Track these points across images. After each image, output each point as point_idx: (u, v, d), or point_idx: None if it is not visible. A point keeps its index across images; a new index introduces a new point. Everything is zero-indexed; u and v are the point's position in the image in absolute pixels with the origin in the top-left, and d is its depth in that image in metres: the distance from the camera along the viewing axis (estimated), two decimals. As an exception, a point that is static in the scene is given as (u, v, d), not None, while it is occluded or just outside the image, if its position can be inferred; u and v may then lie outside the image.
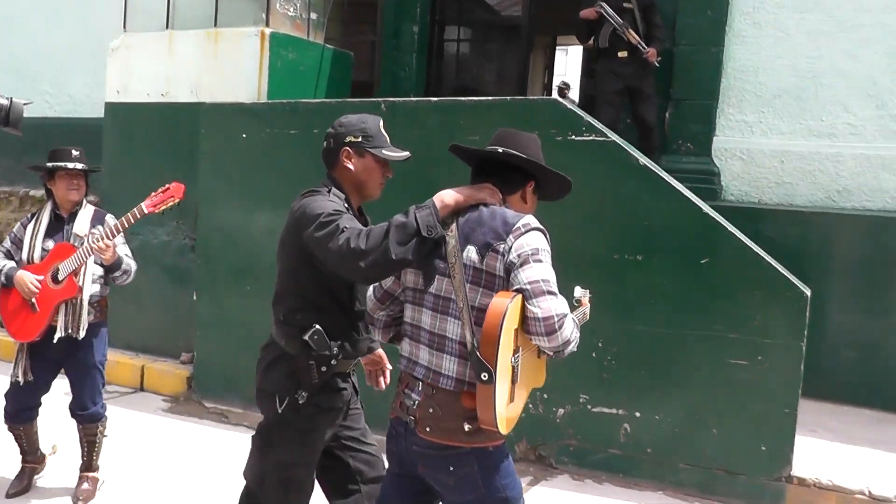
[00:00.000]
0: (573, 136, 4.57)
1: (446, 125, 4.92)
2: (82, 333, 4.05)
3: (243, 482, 4.53)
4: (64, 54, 8.79)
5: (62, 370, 4.21)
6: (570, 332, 2.28)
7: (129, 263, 4.14)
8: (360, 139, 2.75)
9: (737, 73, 6.53)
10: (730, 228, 4.49)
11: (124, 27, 6.85)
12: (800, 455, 4.60)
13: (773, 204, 6.41)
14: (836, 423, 5.40)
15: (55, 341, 3.99)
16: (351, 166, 2.76)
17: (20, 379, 4.05)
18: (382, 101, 5.17)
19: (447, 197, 2.42)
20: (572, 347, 2.31)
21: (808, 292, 4.42)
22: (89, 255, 3.89)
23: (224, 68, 6.16)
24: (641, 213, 4.58)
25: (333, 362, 2.76)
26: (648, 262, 4.59)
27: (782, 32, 6.40)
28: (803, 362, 4.42)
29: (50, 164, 4.04)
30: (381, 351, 3.06)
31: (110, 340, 6.51)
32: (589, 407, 4.76)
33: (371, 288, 2.70)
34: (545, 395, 4.82)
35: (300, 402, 2.73)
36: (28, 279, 3.94)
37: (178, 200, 3.90)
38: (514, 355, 2.28)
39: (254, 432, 2.98)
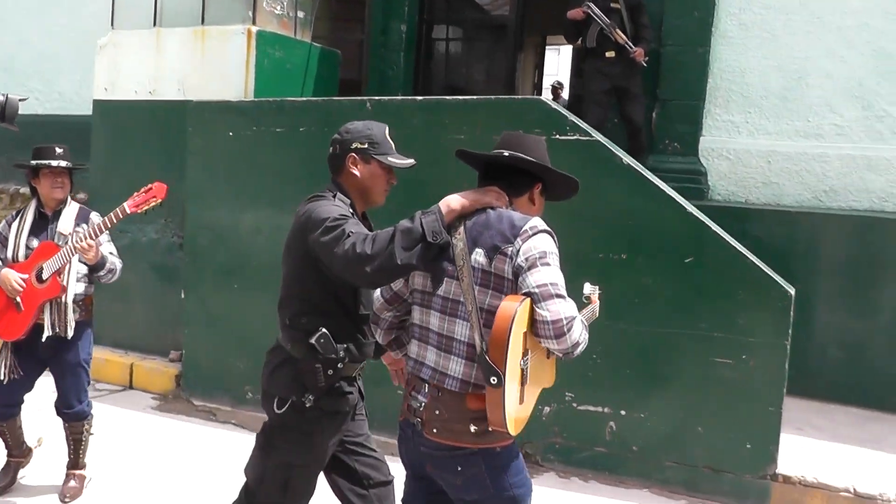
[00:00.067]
0: (557, 136, 4.58)
1: (431, 124, 4.93)
2: (70, 333, 4.05)
3: (230, 480, 4.54)
4: (54, 51, 8.77)
5: (47, 368, 4.21)
6: (578, 334, 2.29)
7: (115, 262, 4.13)
8: (366, 145, 2.77)
9: (723, 73, 6.56)
10: (714, 228, 4.51)
11: (112, 24, 6.84)
12: (786, 453, 4.63)
13: (760, 204, 6.44)
14: (823, 422, 5.43)
15: (43, 340, 3.99)
16: (356, 172, 2.78)
17: (3, 377, 4.04)
18: (368, 100, 5.17)
19: (453, 202, 2.43)
20: (581, 348, 2.32)
21: (792, 291, 4.45)
22: (73, 254, 3.88)
23: (211, 66, 6.15)
24: (626, 213, 4.59)
25: (339, 366, 2.77)
26: (633, 261, 4.61)
27: (769, 33, 6.43)
28: (788, 361, 4.44)
29: (34, 162, 4.04)
30: None
31: (99, 338, 6.56)
32: (575, 405, 4.78)
33: (380, 289, 2.71)
34: (531, 394, 4.83)
35: (306, 405, 2.74)
36: (13, 277, 3.93)
37: (160, 200, 3.89)
38: (523, 358, 2.28)
39: (257, 431, 2.98)
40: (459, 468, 2.43)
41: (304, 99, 6.02)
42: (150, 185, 3.88)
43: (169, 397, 6.08)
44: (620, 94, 6.53)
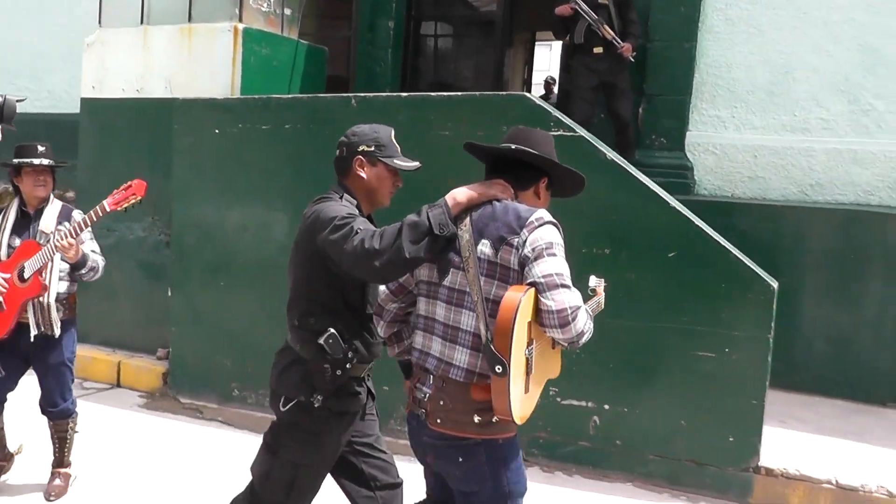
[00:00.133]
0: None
1: (417, 120, 4.94)
2: (57, 331, 4.04)
3: (216, 477, 4.58)
4: (43, 50, 8.79)
5: (30, 367, 4.20)
6: (583, 323, 2.31)
7: (97, 260, 4.12)
8: (372, 148, 2.80)
9: (709, 68, 6.58)
10: (697, 222, 4.53)
11: (99, 22, 6.83)
12: (769, 446, 4.66)
13: (746, 198, 6.47)
14: (808, 414, 5.46)
15: (31, 339, 3.99)
16: (363, 174, 2.80)
17: None
18: (353, 97, 5.18)
19: (459, 195, 2.47)
20: (586, 338, 2.34)
21: (774, 285, 4.47)
22: (55, 253, 3.88)
23: (197, 64, 6.15)
24: (610, 208, 4.61)
25: (348, 366, 2.78)
26: (616, 255, 4.62)
27: (755, 28, 6.45)
28: (771, 354, 4.47)
29: (16, 161, 4.03)
30: None
31: (87, 337, 6.62)
32: (559, 399, 4.79)
33: None
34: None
35: (315, 405, 2.75)
36: None
37: (140, 198, 3.88)
38: (527, 347, 2.31)
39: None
40: (461, 459, 2.46)
41: (290, 96, 6.03)
42: (129, 183, 3.88)
43: (156, 395, 6.08)
44: (608, 90, 6.54)
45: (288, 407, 2.78)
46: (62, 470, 4.34)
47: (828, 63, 6.30)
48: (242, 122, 5.55)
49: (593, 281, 2.89)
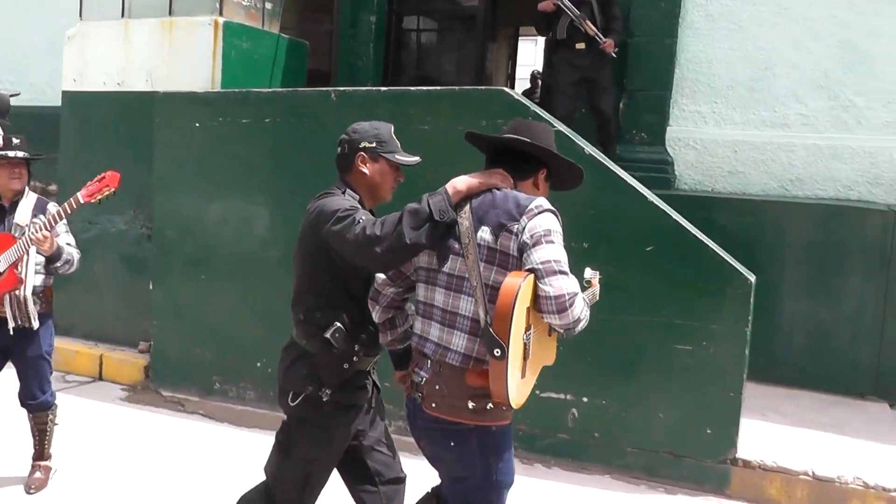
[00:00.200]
0: (520, 126, 4.61)
1: (396, 114, 4.88)
2: (35, 324, 4.04)
3: (195, 470, 4.59)
4: (24, 42, 8.74)
5: (9, 361, 4.20)
6: (580, 310, 2.35)
7: (72, 253, 4.11)
8: (374, 144, 2.84)
9: (690, 64, 6.61)
10: (674, 216, 4.56)
11: (80, 15, 6.80)
12: (748, 438, 4.71)
13: (727, 193, 6.50)
14: (788, 407, 5.51)
15: (11, 332, 3.98)
16: (366, 170, 2.83)
17: None
18: (332, 91, 5.18)
19: (459, 183, 2.53)
20: (582, 325, 2.38)
21: (752, 279, 4.50)
22: (30, 246, 3.87)
23: (178, 57, 6.14)
24: (588, 202, 4.62)
25: (355, 359, 2.81)
26: (595, 249, 4.64)
27: (735, 24, 6.49)
28: (748, 347, 4.50)
29: None
30: None
31: (69, 330, 6.62)
32: (537, 392, 4.81)
33: None
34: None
35: (323, 399, 2.78)
36: None
37: (113, 189, 3.87)
38: (526, 332, 2.34)
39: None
40: (452, 443, 2.51)
41: (270, 90, 6.02)
42: (103, 175, 3.87)
43: (138, 388, 6.07)
44: (590, 86, 6.55)
45: (297, 402, 2.80)
46: (42, 463, 4.33)
47: (808, 59, 6.33)
48: (223, 116, 5.55)
49: (588, 273, 2.95)
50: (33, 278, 4.02)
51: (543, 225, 2.39)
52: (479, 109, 4.74)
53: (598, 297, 2.94)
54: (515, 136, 2.59)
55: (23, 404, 4.22)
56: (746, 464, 4.56)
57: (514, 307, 2.25)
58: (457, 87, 5.07)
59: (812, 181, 6.34)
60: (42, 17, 8.58)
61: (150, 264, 6.05)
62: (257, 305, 5.51)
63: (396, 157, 2.85)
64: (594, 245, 4.65)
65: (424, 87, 5.10)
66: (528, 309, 2.33)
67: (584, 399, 4.73)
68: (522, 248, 2.38)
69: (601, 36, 6.34)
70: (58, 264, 4.03)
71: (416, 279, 2.66)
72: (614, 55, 6.41)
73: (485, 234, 2.45)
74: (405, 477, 3.12)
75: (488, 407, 2.43)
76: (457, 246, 2.49)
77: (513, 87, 11.04)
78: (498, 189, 2.53)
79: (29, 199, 4.12)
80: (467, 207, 2.50)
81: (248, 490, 3.13)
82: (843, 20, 6.24)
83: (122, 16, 6.55)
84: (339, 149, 2.89)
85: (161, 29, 6.24)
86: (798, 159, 6.36)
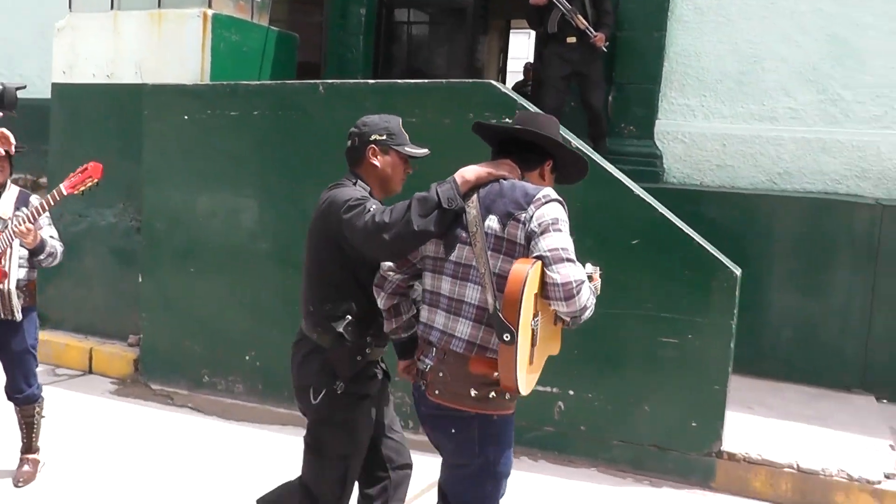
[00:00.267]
0: (507, 119, 4.61)
1: (384, 107, 4.85)
2: (18, 316, 4.04)
3: (183, 463, 4.60)
4: (15, 34, 8.71)
5: None
6: (586, 298, 2.37)
7: (55, 245, 4.10)
8: (384, 137, 2.89)
9: (679, 57, 6.61)
10: (661, 210, 4.57)
11: (70, 7, 6.79)
12: (733, 431, 4.73)
13: (715, 186, 6.52)
14: (774, 400, 5.53)
15: None
16: (377, 163, 2.88)
17: None
18: (320, 83, 5.19)
19: (468, 173, 2.56)
20: (588, 314, 2.40)
21: (738, 272, 4.51)
22: (13, 239, 3.86)
23: (168, 50, 6.13)
24: (573, 195, 4.59)
25: (368, 350, 2.86)
26: (581, 243, 4.55)
27: (724, 18, 6.49)
28: (733, 340, 4.52)
29: None
30: None
31: (59, 323, 6.63)
32: (524, 385, 4.82)
33: None
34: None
35: (338, 392, 2.81)
36: None
37: (96, 180, 3.86)
38: (533, 319, 2.37)
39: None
40: (454, 430, 2.54)
41: (258, 83, 6.02)
42: (85, 166, 3.86)
43: (127, 382, 6.08)
44: (580, 81, 6.55)
45: (318, 399, 2.83)
46: (30, 456, 4.34)
47: (796, 53, 6.34)
48: (211, 109, 5.54)
49: (589, 268, 2.98)
50: (17, 272, 4.01)
51: (551, 214, 2.42)
52: (466, 102, 4.74)
53: (599, 292, 2.96)
54: (524, 127, 2.63)
55: (9, 398, 4.23)
56: (731, 457, 4.58)
57: (522, 293, 2.27)
58: (444, 80, 5.07)
59: (800, 174, 6.35)
60: (33, 8, 8.55)
61: (139, 257, 6.05)
62: (246, 298, 5.52)
63: (406, 149, 2.91)
64: (581, 238, 4.57)
65: (412, 80, 5.11)
66: (535, 295, 2.36)
67: (571, 392, 4.75)
68: (530, 237, 2.41)
69: (592, 30, 6.33)
70: (41, 257, 4.02)
71: (422, 268, 2.68)
72: (605, 49, 6.41)
73: (492, 222, 2.48)
74: (412, 464, 3.17)
75: (491, 396, 2.47)
76: (464, 234, 2.52)
77: (504, 79, 11.04)
78: (505, 179, 2.56)
79: (11, 192, 4.09)
80: (475, 197, 2.53)
81: (268, 492, 3.16)
82: (832, 14, 6.24)
83: (112, 8, 6.54)
84: (348, 142, 2.94)
85: (150, 21, 6.23)
86: (786, 153, 6.37)
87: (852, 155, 6.25)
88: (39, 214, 3.85)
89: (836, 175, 6.28)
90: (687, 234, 4.53)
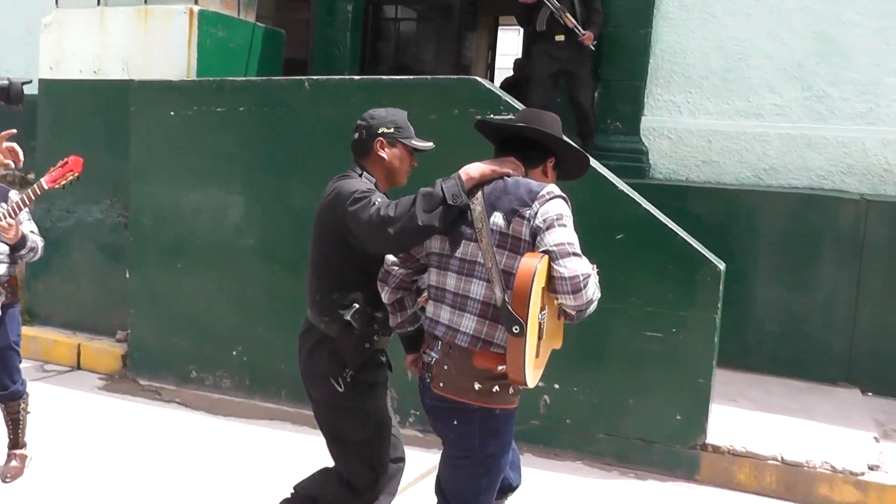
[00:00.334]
0: (491, 115, 4.63)
1: (370, 103, 4.85)
2: None
3: (169, 457, 4.60)
4: (2, 29, 8.68)
5: None
6: (592, 291, 2.42)
7: (36, 240, 4.09)
8: (391, 130, 2.93)
9: (664, 54, 6.64)
10: (645, 205, 4.59)
11: (56, 3, 6.77)
12: (718, 424, 4.75)
13: (701, 182, 6.54)
14: (759, 394, 5.56)
15: None
16: (384, 155, 2.92)
17: None
18: (306, 80, 5.19)
19: (472, 170, 2.60)
20: (593, 307, 2.46)
21: (721, 266, 4.54)
22: None
23: (154, 46, 6.12)
24: (558, 191, 4.65)
25: (375, 338, 2.90)
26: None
27: (709, 15, 6.51)
28: (717, 334, 4.55)
29: None
30: None
31: (48, 319, 6.64)
32: (510, 379, 4.84)
33: None
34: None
35: (348, 380, 2.85)
36: None
37: (77, 174, 3.86)
38: (541, 312, 2.41)
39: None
40: (455, 422, 2.59)
41: (244, 79, 6.02)
42: (65, 160, 3.84)
43: (115, 377, 6.08)
44: (569, 79, 6.56)
45: (335, 387, 2.86)
46: (17, 451, 4.33)
47: (781, 50, 6.37)
48: (197, 105, 5.54)
49: None
50: None
51: (555, 209, 2.46)
52: (451, 98, 4.76)
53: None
54: (527, 125, 2.66)
55: (-6, 395, 4.23)
56: (716, 449, 4.61)
57: (531, 286, 2.31)
58: (429, 77, 5.10)
59: (786, 170, 6.39)
60: (20, 3, 8.52)
61: (126, 253, 6.04)
62: (232, 294, 5.53)
63: (413, 142, 2.97)
64: (566, 233, 4.67)
65: (397, 76, 5.13)
66: (543, 289, 2.40)
67: (556, 386, 4.77)
68: (535, 233, 2.45)
69: (580, 28, 6.33)
70: (22, 252, 3.99)
71: (427, 264, 2.72)
72: (593, 48, 6.42)
73: (497, 219, 2.51)
74: (405, 457, 3.20)
75: (494, 390, 2.51)
76: (469, 231, 2.56)
77: (492, 76, 11.06)
78: (509, 177, 2.59)
79: None
80: (480, 194, 2.57)
81: (305, 478, 3.18)
82: (817, 11, 6.28)
83: (98, 3, 6.52)
84: (355, 134, 2.98)
85: (137, 17, 6.22)
86: (772, 149, 6.41)
87: (837, 151, 6.28)
88: (20, 210, 3.84)
89: (822, 171, 6.32)
90: (671, 229, 4.55)
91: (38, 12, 7.28)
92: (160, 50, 6.09)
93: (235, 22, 6.48)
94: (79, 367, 6.32)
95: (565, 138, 2.80)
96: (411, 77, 5.14)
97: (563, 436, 4.80)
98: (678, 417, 4.60)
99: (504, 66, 12.02)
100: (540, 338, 2.45)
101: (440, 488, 2.75)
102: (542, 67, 6.59)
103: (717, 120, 6.54)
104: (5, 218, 3.77)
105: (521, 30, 7.63)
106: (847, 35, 6.23)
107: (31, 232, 4.09)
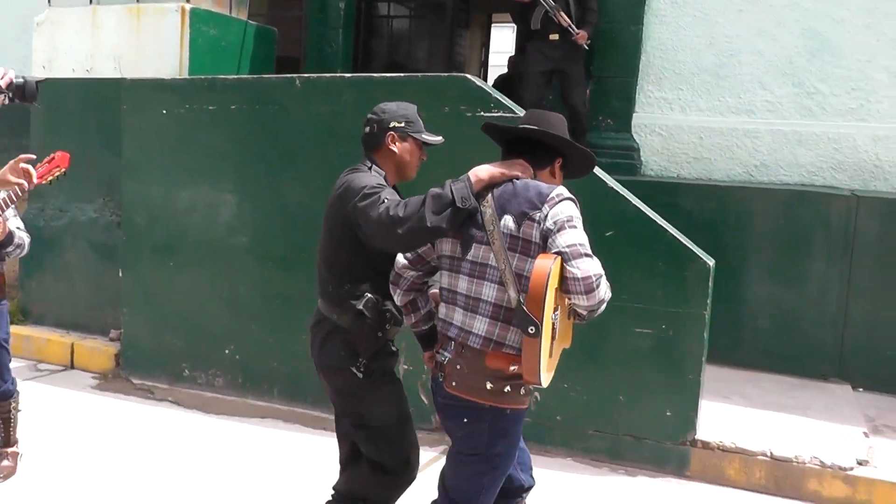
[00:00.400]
0: (482, 113, 4.65)
1: (361, 101, 4.94)
2: None
3: (162, 455, 4.61)
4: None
5: None
6: (604, 291, 2.48)
7: (22, 237, 4.08)
8: (402, 124, 2.98)
9: (656, 51, 6.66)
10: (634, 202, 4.61)
11: (49, 1, 6.77)
12: (709, 420, 4.78)
13: (692, 178, 6.57)
14: (751, 390, 5.58)
15: None
16: (395, 149, 2.97)
17: None
18: (297, 78, 5.20)
19: (482, 172, 2.62)
20: (604, 307, 2.50)
21: (711, 263, 4.55)
22: None
23: (146, 44, 6.14)
24: (549, 188, 4.66)
25: (387, 327, 2.93)
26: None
27: (700, 12, 6.53)
28: (707, 330, 4.56)
29: None
30: None
31: (42, 318, 6.64)
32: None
33: None
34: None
35: (361, 369, 2.89)
36: None
37: (64, 170, 3.85)
38: (554, 313, 2.45)
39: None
40: (466, 420, 2.62)
41: (235, 77, 6.04)
42: (52, 155, 3.83)
43: (108, 376, 6.09)
44: (562, 78, 6.56)
45: (353, 375, 2.90)
46: (9, 450, 4.31)
47: (772, 46, 6.39)
48: (189, 103, 5.55)
49: None
50: None
51: (565, 212, 2.50)
52: (442, 96, 4.77)
53: None
54: (536, 127, 2.68)
55: (-16, 394, 4.22)
56: (706, 445, 4.62)
57: (546, 286, 2.34)
58: (420, 74, 5.11)
59: (777, 167, 6.42)
60: (13, 2, 8.52)
61: (119, 252, 6.05)
62: (224, 292, 5.54)
63: (424, 136, 3.02)
64: (556, 231, 4.68)
65: (388, 74, 5.15)
66: (556, 290, 2.43)
67: (547, 382, 4.78)
68: (546, 235, 2.48)
69: (574, 28, 6.33)
70: (9, 249, 3.97)
71: (439, 266, 2.75)
72: (587, 47, 6.42)
73: (508, 222, 2.54)
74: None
75: (506, 390, 2.54)
76: (480, 234, 2.59)
77: (486, 73, 11.07)
78: (518, 179, 2.62)
79: None
80: (490, 197, 2.59)
81: (337, 482, 3.21)
82: (808, 8, 6.30)
83: (91, 2, 6.53)
84: (366, 128, 3.01)
85: (129, 15, 6.23)
86: (763, 145, 6.43)
87: (828, 147, 6.31)
88: (7, 207, 3.83)
89: (813, 167, 6.35)
90: (660, 225, 4.57)
91: (32, 11, 7.29)
92: (152, 48, 6.11)
93: (227, 20, 6.49)
94: (72, 367, 6.32)
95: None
96: (402, 75, 5.15)
97: (553, 432, 4.81)
98: (668, 414, 4.62)
99: (498, 63, 12.02)
100: (553, 338, 2.50)
101: (443, 484, 2.79)
102: (535, 65, 6.59)
103: (709, 116, 6.56)
104: None
105: (515, 27, 7.63)
106: (837, 32, 6.26)
107: (18, 228, 4.08)
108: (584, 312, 2.51)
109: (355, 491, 3.11)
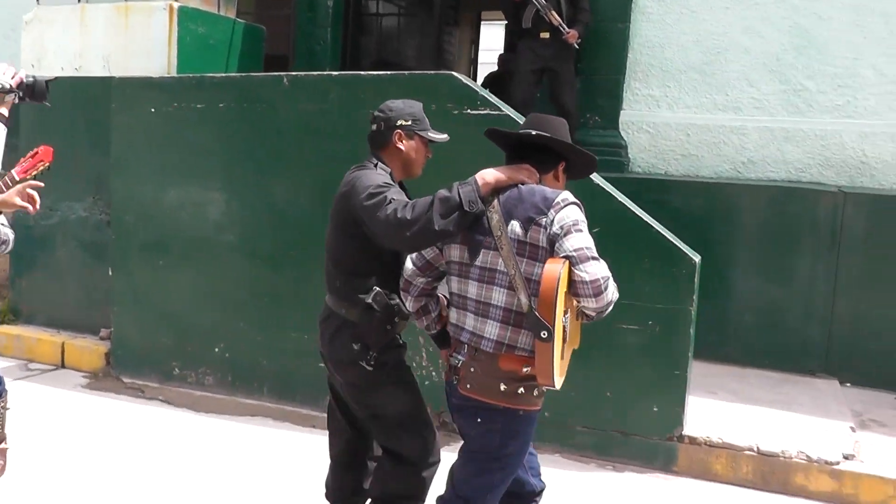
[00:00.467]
0: (468, 110, 4.67)
1: (348, 99, 4.99)
2: None
3: (150, 453, 4.61)
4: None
5: None
6: (612, 293, 2.51)
7: (7, 233, 4.05)
8: (409, 122, 3.02)
9: (643, 48, 6.68)
10: (620, 198, 4.63)
11: (37, 0, 6.77)
12: (697, 416, 4.81)
13: (680, 175, 6.60)
14: (738, 385, 5.61)
15: None
16: (402, 147, 3.00)
17: None
18: (285, 76, 5.20)
19: (488, 176, 2.64)
20: (611, 308, 2.54)
21: (697, 259, 4.58)
22: None
23: (134, 42, 6.13)
24: (535, 184, 4.68)
25: (396, 320, 2.95)
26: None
27: (687, 9, 6.55)
28: (693, 326, 4.59)
29: None
30: None
31: (32, 317, 6.64)
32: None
33: (411, 257, 2.88)
34: (449, 363, 4.93)
35: (372, 362, 2.92)
36: None
37: (48, 164, 3.84)
38: (564, 316, 2.49)
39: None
40: (479, 420, 2.66)
41: (223, 75, 6.03)
42: (36, 150, 3.81)
43: (99, 375, 6.09)
44: (552, 78, 6.57)
45: (364, 368, 2.93)
46: (-1, 447, 4.34)
47: (759, 43, 6.42)
48: (177, 101, 5.54)
49: None
50: None
51: (571, 216, 2.54)
52: (429, 93, 4.73)
53: None
54: (540, 133, 2.70)
55: (-30, 395, 4.22)
56: (693, 440, 4.65)
57: (557, 290, 2.38)
58: (407, 72, 5.13)
59: (764, 163, 6.45)
60: (1, 1, 8.49)
61: (109, 251, 6.04)
62: (214, 290, 5.55)
63: (430, 134, 3.05)
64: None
65: (375, 72, 5.15)
66: (565, 293, 2.47)
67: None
68: (553, 239, 2.52)
69: (565, 27, 6.33)
70: None
71: (448, 272, 2.78)
72: (577, 46, 6.43)
73: (515, 227, 2.57)
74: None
75: (519, 391, 2.59)
76: (488, 239, 2.62)
77: (475, 71, 11.07)
78: (524, 184, 2.64)
79: None
80: (496, 202, 2.62)
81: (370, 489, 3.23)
82: (794, 5, 6.33)
83: (79, 0, 6.52)
84: (373, 126, 3.04)
85: (117, 14, 6.23)
86: (750, 142, 6.46)
87: (815, 144, 6.34)
88: None
89: (800, 164, 6.38)
90: (646, 222, 4.59)
91: (20, 9, 7.27)
92: (140, 46, 6.10)
93: (215, 18, 6.49)
94: (63, 366, 6.31)
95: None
96: (389, 73, 5.15)
97: (541, 429, 4.68)
98: (655, 410, 4.64)
99: (487, 60, 12.03)
100: (564, 340, 2.54)
101: (452, 479, 2.83)
102: (525, 63, 6.60)
103: (696, 113, 6.59)
104: None
105: (505, 24, 7.63)
106: (824, 28, 6.28)
107: (3, 224, 4.07)
108: (593, 314, 2.56)
109: (391, 492, 3.12)
